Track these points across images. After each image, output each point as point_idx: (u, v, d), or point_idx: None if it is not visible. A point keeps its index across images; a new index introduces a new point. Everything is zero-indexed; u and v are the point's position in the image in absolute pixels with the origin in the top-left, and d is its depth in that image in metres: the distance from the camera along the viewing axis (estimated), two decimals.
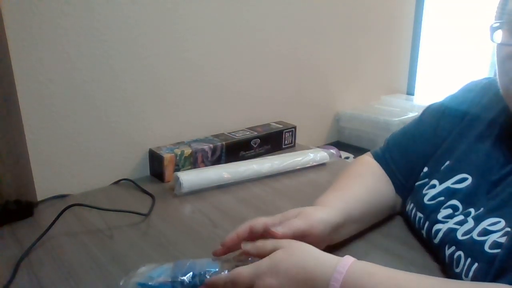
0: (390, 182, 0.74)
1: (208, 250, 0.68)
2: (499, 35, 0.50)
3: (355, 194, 0.68)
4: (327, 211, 0.61)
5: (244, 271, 0.49)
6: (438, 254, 0.62)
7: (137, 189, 0.93)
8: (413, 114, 1.41)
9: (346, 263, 0.46)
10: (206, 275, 0.50)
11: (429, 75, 1.75)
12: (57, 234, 0.72)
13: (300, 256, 0.48)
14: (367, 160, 0.78)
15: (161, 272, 0.51)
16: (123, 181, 0.96)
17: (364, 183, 0.71)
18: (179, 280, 0.50)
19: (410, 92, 1.78)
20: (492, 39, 0.50)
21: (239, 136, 1.10)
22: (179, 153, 0.97)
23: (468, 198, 0.59)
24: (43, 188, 0.86)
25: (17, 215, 0.77)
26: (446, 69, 1.69)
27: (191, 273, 0.51)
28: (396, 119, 1.38)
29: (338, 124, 1.52)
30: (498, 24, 0.50)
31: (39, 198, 0.84)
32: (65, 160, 0.89)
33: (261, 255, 0.51)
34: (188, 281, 0.50)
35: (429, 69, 1.75)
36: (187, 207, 0.86)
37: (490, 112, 0.60)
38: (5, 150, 0.76)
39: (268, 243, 0.52)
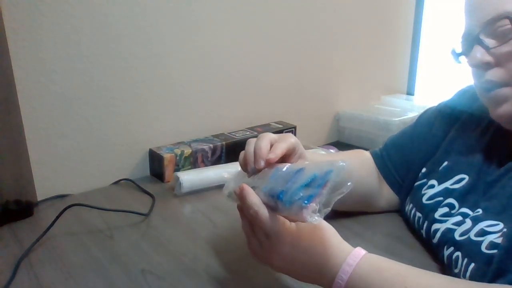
0: (377, 176, 0.75)
1: (208, 250, 0.68)
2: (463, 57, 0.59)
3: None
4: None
5: (268, 218, 0.48)
6: (437, 255, 0.62)
7: (137, 189, 0.93)
8: (413, 114, 1.41)
9: (357, 255, 0.46)
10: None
11: (429, 75, 1.75)
12: (57, 234, 0.72)
13: (322, 239, 0.48)
14: (363, 152, 0.80)
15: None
16: (123, 181, 0.96)
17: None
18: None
19: (410, 92, 1.78)
20: (457, 61, 0.60)
21: (239, 136, 1.10)
22: (179, 153, 0.97)
23: (463, 196, 0.60)
24: (43, 188, 0.86)
25: (17, 215, 0.78)
26: (446, 69, 1.68)
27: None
28: (396, 119, 1.37)
29: (338, 124, 1.51)
30: (460, 50, 0.59)
31: (39, 198, 0.84)
32: (65, 160, 0.89)
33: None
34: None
35: (429, 69, 1.74)
36: (187, 207, 0.86)
37: (486, 114, 0.61)
38: (5, 150, 0.76)
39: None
